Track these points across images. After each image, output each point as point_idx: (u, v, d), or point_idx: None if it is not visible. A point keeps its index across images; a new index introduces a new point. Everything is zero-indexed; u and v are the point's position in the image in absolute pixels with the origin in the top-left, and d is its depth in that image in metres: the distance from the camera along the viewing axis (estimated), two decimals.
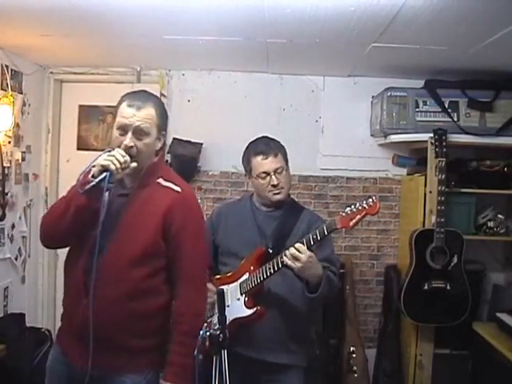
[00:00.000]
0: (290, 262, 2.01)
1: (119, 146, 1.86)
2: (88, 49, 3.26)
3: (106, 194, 1.83)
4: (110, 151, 1.84)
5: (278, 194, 2.28)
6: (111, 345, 1.85)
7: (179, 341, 1.89)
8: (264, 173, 2.27)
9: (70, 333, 1.91)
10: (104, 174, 1.78)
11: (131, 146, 1.86)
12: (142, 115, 1.88)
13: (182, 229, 1.92)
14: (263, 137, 2.38)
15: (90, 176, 1.80)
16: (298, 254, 1.99)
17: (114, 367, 1.88)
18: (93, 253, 1.80)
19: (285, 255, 2.03)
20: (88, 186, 1.78)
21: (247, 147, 2.37)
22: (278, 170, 2.26)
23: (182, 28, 2.73)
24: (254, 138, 2.39)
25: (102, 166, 1.79)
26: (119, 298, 1.86)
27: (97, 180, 1.78)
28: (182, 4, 2.34)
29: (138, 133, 1.88)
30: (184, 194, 1.97)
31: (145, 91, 2.01)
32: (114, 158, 1.80)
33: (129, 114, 1.87)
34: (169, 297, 1.95)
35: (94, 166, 1.81)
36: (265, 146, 2.30)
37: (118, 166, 1.80)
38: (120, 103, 1.93)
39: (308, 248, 2.02)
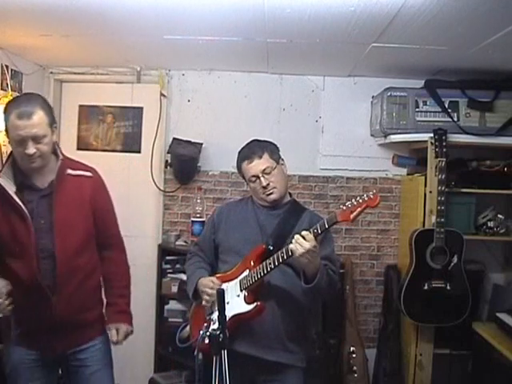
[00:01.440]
0: (293, 247, 1.98)
1: (22, 157, 2.04)
2: (88, 49, 3.26)
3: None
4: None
5: (270, 194, 2.28)
6: (75, 325, 2.18)
7: (120, 294, 2.36)
8: (253, 176, 2.28)
9: (37, 329, 2.12)
10: None
11: (34, 153, 2.03)
12: (34, 122, 2.00)
13: (105, 207, 2.32)
14: (251, 141, 2.39)
15: None
16: (303, 240, 1.98)
17: (79, 342, 2.23)
18: (40, 255, 2.07)
19: (291, 242, 2.01)
20: None
21: (237, 155, 2.38)
22: (266, 171, 2.26)
23: (182, 28, 2.73)
24: (244, 145, 2.40)
25: None
26: (75, 287, 2.15)
27: None
28: (182, 4, 2.35)
29: (36, 140, 2.02)
30: (95, 177, 2.29)
31: (27, 94, 2.23)
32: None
33: (22, 126, 1.99)
34: (99, 267, 2.32)
35: None
36: (249, 150, 2.31)
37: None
38: (8, 115, 2.03)
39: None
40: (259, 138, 2.40)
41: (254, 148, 2.31)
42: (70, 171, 2.19)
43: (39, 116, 2.02)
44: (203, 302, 2.25)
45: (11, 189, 2.08)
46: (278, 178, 2.29)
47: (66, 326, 2.12)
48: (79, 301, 2.18)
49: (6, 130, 2.07)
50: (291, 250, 2.00)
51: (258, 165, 2.26)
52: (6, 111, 2.05)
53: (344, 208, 1.97)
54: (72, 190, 2.17)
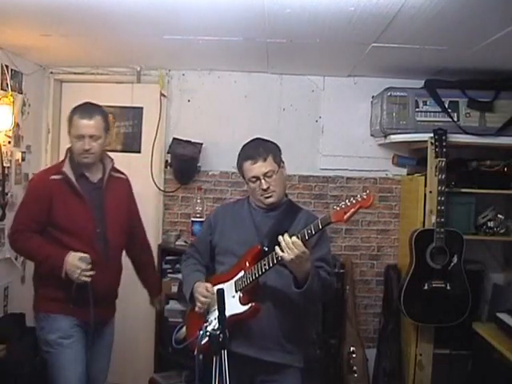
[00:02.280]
0: (281, 253, 1.98)
1: (79, 151, 2.49)
2: (88, 49, 3.26)
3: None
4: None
5: (269, 197, 2.27)
6: (111, 298, 2.69)
7: (154, 272, 3.07)
8: (254, 177, 2.26)
9: (85, 300, 2.43)
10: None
11: (89, 149, 2.48)
12: (93, 124, 2.49)
13: (136, 206, 2.88)
14: (255, 139, 2.36)
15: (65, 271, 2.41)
16: (292, 246, 1.96)
17: (109, 315, 2.71)
18: (96, 237, 2.51)
19: (278, 246, 2.01)
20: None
21: (239, 151, 2.37)
22: (268, 174, 2.24)
23: (182, 28, 2.73)
24: (247, 141, 2.37)
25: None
26: (117, 264, 2.66)
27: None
28: (182, 4, 2.34)
29: (92, 138, 2.49)
30: (127, 180, 2.81)
31: (91, 103, 2.61)
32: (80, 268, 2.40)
33: (82, 125, 2.48)
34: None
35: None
36: (254, 150, 2.28)
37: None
38: (72, 115, 2.53)
39: (302, 242, 2.00)
40: (263, 137, 2.38)
41: (259, 149, 2.27)
42: (112, 173, 2.66)
43: (98, 119, 2.51)
44: (196, 309, 2.25)
45: (73, 177, 2.50)
46: (278, 182, 2.28)
47: (106, 297, 2.57)
48: (117, 276, 2.67)
49: (69, 128, 2.54)
50: (280, 257, 2.00)
51: (261, 167, 2.24)
52: (70, 113, 2.55)
53: (338, 209, 1.96)
54: (115, 188, 2.66)
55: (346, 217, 1.94)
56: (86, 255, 2.41)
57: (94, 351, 2.60)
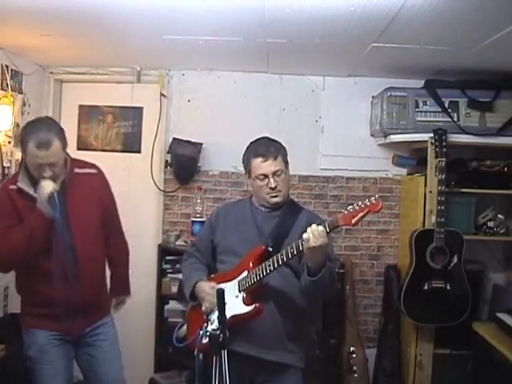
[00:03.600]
0: (307, 236, 1.95)
1: (38, 172, 2.27)
2: (88, 49, 3.26)
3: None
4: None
5: (275, 196, 2.27)
6: (91, 307, 2.46)
7: (121, 272, 2.76)
8: (262, 175, 2.25)
9: (61, 313, 2.32)
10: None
11: (50, 175, 2.27)
12: (52, 152, 2.24)
13: (110, 199, 2.64)
14: (264, 137, 2.36)
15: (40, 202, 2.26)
16: (318, 234, 1.95)
17: (94, 321, 2.52)
18: (62, 245, 2.29)
19: (306, 232, 1.98)
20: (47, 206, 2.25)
21: (248, 147, 2.36)
22: (277, 173, 2.25)
23: (182, 28, 2.73)
24: (256, 138, 2.37)
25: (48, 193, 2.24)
26: (92, 273, 2.44)
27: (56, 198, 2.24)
28: (182, 4, 2.34)
29: (52, 165, 2.27)
30: (99, 173, 2.59)
31: (43, 121, 2.41)
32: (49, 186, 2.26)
33: (41, 155, 2.22)
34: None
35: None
36: (265, 147, 2.28)
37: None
38: (26, 143, 2.23)
39: None
40: (270, 137, 2.37)
41: (270, 147, 2.28)
42: (77, 170, 2.46)
43: (56, 145, 2.26)
44: (203, 308, 2.23)
45: (30, 190, 2.32)
46: (285, 183, 2.29)
47: (84, 308, 2.39)
48: (94, 285, 2.48)
49: (23, 151, 2.29)
50: (305, 239, 1.97)
51: (271, 165, 2.24)
52: (23, 136, 2.28)
53: (346, 212, 1.96)
54: (81, 187, 2.44)
55: (354, 221, 1.94)
56: None
57: (94, 355, 2.54)
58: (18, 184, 2.33)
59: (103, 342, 2.56)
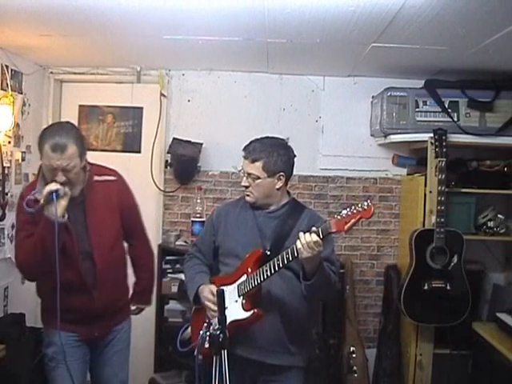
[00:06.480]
0: (303, 251, 1.95)
1: (52, 181, 2.19)
2: (88, 49, 3.26)
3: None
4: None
5: (247, 195, 2.28)
6: (111, 312, 2.46)
7: (143, 281, 2.70)
8: (243, 171, 2.28)
9: (80, 318, 2.36)
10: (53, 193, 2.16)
11: (64, 181, 2.19)
12: (67, 156, 2.18)
13: (131, 205, 2.58)
14: (265, 137, 2.32)
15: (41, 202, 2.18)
16: (312, 245, 1.94)
17: (112, 326, 2.52)
18: (80, 257, 2.31)
19: (299, 239, 1.97)
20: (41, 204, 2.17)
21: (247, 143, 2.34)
22: (252, 176, 2.23)
23: (182, 28, 2.73)
24: (260, 137, 2.32)
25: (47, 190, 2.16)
26: (111, 280, 2.41)
27: (55, 195, 2.15)
28: (182, 4, 2.34)
29: (66, 170, 2.19)
30: (119, 179, 2.53)
31: (62, 124, 2.35)
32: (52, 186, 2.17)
33: (55, 158, 2.16)
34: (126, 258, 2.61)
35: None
36: (251, 146, 2.26)
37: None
38: (43, 144, 2.18)
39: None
40: (274, 136, 2.32)
41: (256, 149, 2.23)
42: (96, 178, 2.42)
43: (72, 150, 2.19)
44: (208, 315, 2.21)
45: None
46: (259, 189, 2.24)
47: (103, 313, 2.40)
48: (114, 291, 2.47)
49: (40, 153, 2.22)
50: (298, 249, 1.97)
51: (247, 165, 2.25)
52: (40, 138, 2.21)
53: (339, 218, 1.95)
54: (100, 195, 2.40)
55: (346, 227, 1.94)
56: None
57: (104, 358, 2.55)
58: (36, 195, 2.27)
59: (118, 346, 2.56)
